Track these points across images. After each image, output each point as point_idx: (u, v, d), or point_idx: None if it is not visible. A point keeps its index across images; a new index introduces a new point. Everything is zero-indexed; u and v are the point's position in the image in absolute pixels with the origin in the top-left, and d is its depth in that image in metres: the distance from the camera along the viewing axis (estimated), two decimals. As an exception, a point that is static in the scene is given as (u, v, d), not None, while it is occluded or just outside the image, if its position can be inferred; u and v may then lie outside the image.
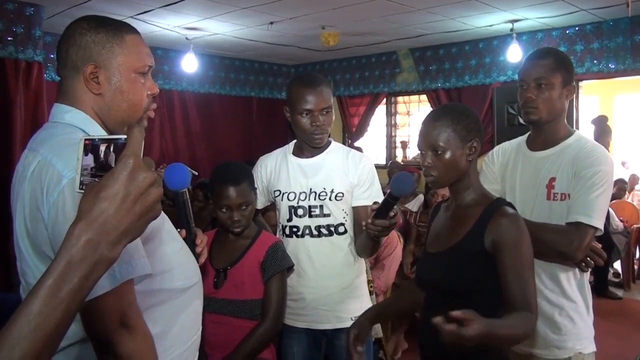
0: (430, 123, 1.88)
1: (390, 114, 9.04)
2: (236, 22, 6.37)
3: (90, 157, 0.94)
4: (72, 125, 1.40)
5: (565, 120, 2.25)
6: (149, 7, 5.75)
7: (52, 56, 6.68)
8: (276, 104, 9.35)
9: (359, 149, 7.85)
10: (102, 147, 0.94)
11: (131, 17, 5.98)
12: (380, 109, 8.96)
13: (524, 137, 2.34)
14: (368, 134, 9.03)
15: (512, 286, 1.72)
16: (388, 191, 1.95)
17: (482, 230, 1.78)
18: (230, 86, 8.89)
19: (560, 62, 2.18)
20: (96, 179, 0.91)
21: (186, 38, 7.04)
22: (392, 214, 2.01)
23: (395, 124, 9.07)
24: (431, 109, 8.01)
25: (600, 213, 2.05)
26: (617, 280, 7.02)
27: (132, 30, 1.49)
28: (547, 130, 2.21)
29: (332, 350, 2.49)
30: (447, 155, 1.83)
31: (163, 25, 6.44)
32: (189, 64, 7.50)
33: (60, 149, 1.29)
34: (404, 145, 9.04)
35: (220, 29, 6.73)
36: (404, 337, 4.69)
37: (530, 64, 2.20)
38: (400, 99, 8.94)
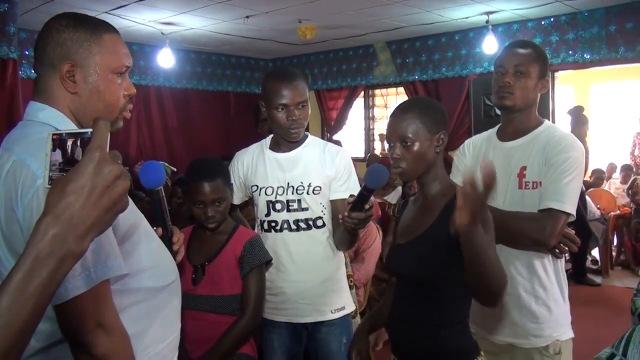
0: (399, 115, 1.89)
1: (368, 106, 9.08)
2: (212, 16, 6.35)
3: (58, 152, 0.93)
4: (46, 124, 1.38)
5: (537, 112, 2.28)
6: (124, 2, 5.71)
7: (26, 53, 6.62)
8: (254, 98, 9.30)
9: (338, 142, 7.85)
10: (69, 142, 0.93)
11: (106, 12, 5.93)
12: (358, 102, 9.00)
13: (494, 129, 2.36)
14: (346, 127, 9.07)
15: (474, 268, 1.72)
16: (363, 184, 1.96)
17: (447, 218, 1.79)
18: (207, 81, 8.85)
19: (538, 55, 2.21)
20: (64, 174, 0.90)
21: (162, 33, 6.99)
22: (367, 206, 2.01)
23: (373, 116, 9.12)
24: (409, 101, 8.06)
25: (571, 199, 2.07)
26: (595, 267, 7.11)
27: (111, 29, 1.48)
28: (517, 121, 2.23)
29: (312, 344, 2.49)
30: (416, 146, 1.84)
31: (138, 20, 6.39)
32: (165, 59, 7.45)
33: (34, 149, 1.27)
34: (382, 137, 9.05)
35: (196, 23, 6.70)
36: (385, 329, 4.71)
37: (511, 52, 2.23)
38: (377, 91, 8.99)
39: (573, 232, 2.17)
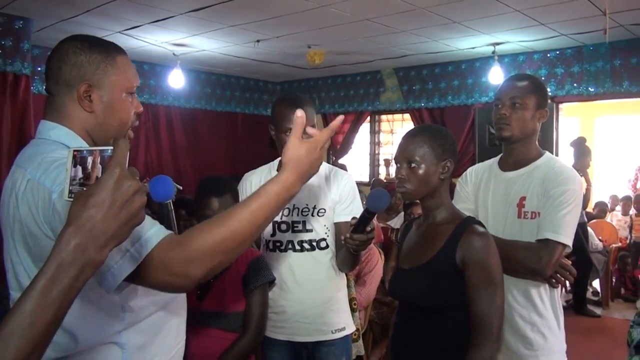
0: (409, 138, 1.98)
1: (374, 132, 9.17)
2: (223, 39, 6.46)
3: (79, 168, 1.00)
4: (57, 142, 1.44)
5: (537, 142, 2.34)
6: (137, 23, 5.81)
7: (39, 69, 6.73)
8: (261, 120, 9.45)
9: (343, 166, 7.93)
10: (90, 159, 1.00)
11: (119, 32, 6.05)
12: (364, 127, 9.08)
13: (496, 159, 2.42)
14: (352, 151, 9.13)
15: (476, 305, 1.81)
16: (365, 207, 2.02)
17: (454, 247, 1.86)
18: (215, 102, 8.96)
19: (535, 86, 2.28)
20: (84, 188, 0.97)
21: (173, 54, 7.11)
22: (369, 228, 2.07)
23: (379, 142, 9.20)
24: (414, 128, 8.14)
25: (568, 230, 2.12)
26: (595, 298, 7.12)
27: (122, 50, 1.55)
28: (518, 151, 2.29)
29: (312, 363, 2.54)
30: (421, 169, 1.92)
31: (151, 40, 6.51)
32: (176, 80, 7.55)
33: (46, 168, 1.33)
34: (387, 163, 9.14)
35: (208, 45, 6.82)
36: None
37: (507, 85, 2.31)
38: (384, 117, 9.08)
39: (570, 262, 2.22)
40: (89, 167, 1.00)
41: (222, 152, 8.97)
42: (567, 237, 2.11)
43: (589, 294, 7.04)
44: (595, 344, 5.47)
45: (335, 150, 9.01)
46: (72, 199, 0.96)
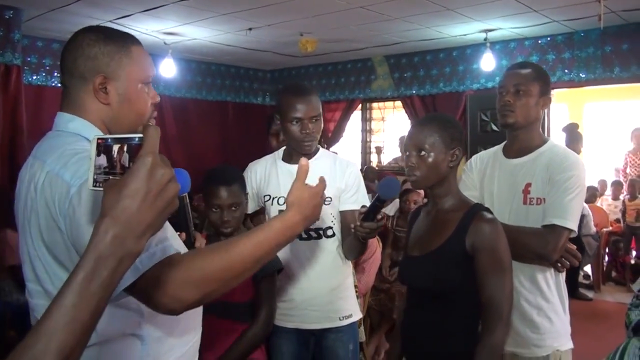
0: (418, 127, 2.01)
1: (366, 119, 9.18)
2: (215, 27, 6.43)
3: (103, 157, 0.97)
4: (76, 134, 1.44)
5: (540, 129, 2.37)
6: (128, 12, 5.76)
7: (28, 59, 6.67)
8: (252, 108, 9.44)
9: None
10: (115, 148, 0.97)
11: (110, 21, 5.99)
12: (356, 115, 9.08)
13: (501, 146, 2.45)
14: (343, 139, 9.13)
15: (487, 287, 1.86)
16: (376, 195, 2.04)
17: (463, 234, 1.90)
18: (206, 91, 8.92)
19: (538, 74, 2.31)
20: (110, 177, 0.94)
21: (164, 43, 7.06)
22: (379, 216, 2.09)
23: (370, 129, 9.21)
24: (406, 115, 8.17)
25: (574, 215, 2.16)
26: (587, 282, 7.22)
27: (137, 41, 1.54)
28: (522, 138, 2.32)
29: (320, 350, 2.56)
30: (431, 157, 1.95)
31: (142, 29, 6.46)
32: (167, 69, 7.51)
33: (66, 161, 1.33)
34: (379, 150, 9.17)
35: (199, 34, 6.78)
36: (385, 338, 4.80)
37: (511, 73, 2.34)
38: (375, 105, 9.08)
39: (574, 247, 2.26)
40: (115, 155, 0.97)
41: (213, 141, 8.92)
42: (572, 222, 2.15)
43: (580, 278, 7.13)
44: (588, 326, 5.55)
45: (326, 139, 9.00)
46: (97, 188, 0.95)
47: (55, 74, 7.09)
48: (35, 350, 0.81)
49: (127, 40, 1.51)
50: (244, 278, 1.35)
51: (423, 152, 1.95)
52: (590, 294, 6.84)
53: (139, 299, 1.27)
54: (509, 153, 2.36)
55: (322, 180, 1.51)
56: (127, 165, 0.95)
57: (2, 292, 4.61)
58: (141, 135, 0.93)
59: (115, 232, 0.87)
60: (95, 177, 0.96)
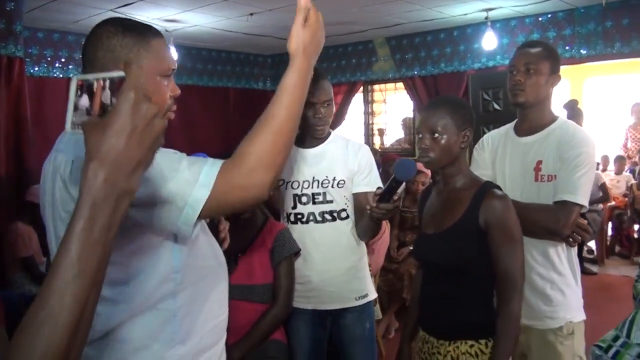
0: (431, 109, 2.06)
1: (367, 102, 9.19)
2: (216, 13, 6.43)
3: (85, 97, 0.93)
4: None
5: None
6: (129, 0, 5.77)
7: (30, 51, 6.67)
8: (253, 93, 9.45)
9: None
10: (97, 86, 0.93)
11: (112, 9, 6.00)
12: (358, 97, 9.09)
13: (512, 125, 2.48)
14: (345, 122, 9.15)
15: (501, 260, 1.94)
16: (392, 176, 2.08)
17: (476, 211, 1.97)
18: (207, 77, 8.94)
19: (548, 52, 2.34)
20: (90, 117, 0.91)
21: (166, 30, 7.06)
22: (395, 197, 2.14)
23: (372, 111, 9.24)
24: (407, 97, 8.19)
25: (584, 191, 2.21)
26: (591, 256, 7.29)
27: (157, 34, 1.54)
28: (532, 116, 2.36)
29: (337, 330, 2.62)
30: (444, 139, 2.00)
31: (143, 17, 6.44)
32: (169, 57, 7.49)
33: None
34: (381, 132, 9.20)
35: (200, 20, 6.79)
36: (395, 317, 4.87)
37: (521, 52, 2.36)
38: (376, 87, 9.09)
39: (585, 222, 2.31)
40: (96, 95, 0.92)
41: (215, 128, 8.94)
42: (583, 198, 2.19)
43: (584, 253, 7.20)
44: (594, 299, 5.60)
45: (329, 122, 9.01)
46: (76, 130, 0.90)
47: (57, 65, 7.11)
48: (50, 308, 0.80)
49: (146, 32, 1.51)
50: (294, 136, 1.40)
51: (436, 135, 2.00)
52: (594, 268, 6.91)
53: (218, 211, 1.37)
54: (520, 131, 2.40)
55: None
56: (108, 103, 0.92)
57: (15, 284, 4.67)
58: (122, 73, 0.89)
59: (106, 175, 0.83)
60: (73, 119, 0.92)
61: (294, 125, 1.38)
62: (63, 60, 7.19)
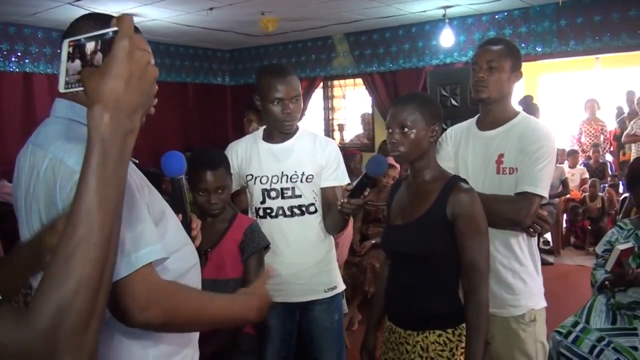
0: (401, 105, 2.12)
1: (327, 97, 9.24)
2: (175, 8, 6.38)
3: (77, 61, 0.94)
4: (76, 121, 1.46)
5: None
6: (87, -6, 5.69)
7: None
8: (212, 89, 9.42)
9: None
10: (89, 46, 0.94)
11: (69, 3, 5.90)
12: (317, 93, 9.14)
13: (474, 119, 2.56)
14: (306, 117, 9.16)
15: (468, 251, 2.02)
16: (364, 172, 2.13)
17: (444, 203, 2.04)
18: (165, 72, 8.82)
19: (510, 50, 2.41)
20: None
21: (124, 25, 6.96)
22: (366, 193, 2.19)
23: (332, 107, 9.29)
24: (366, 92, 8.27)
25: (545, 183, 2.30)
26: (547, 247, 7.51)
27: (136, 29, 1.56)
28: (495, 111, 2.43)
29: (306, 322, 2.67)
30: (413, 134, 2.07)
31: (101, 11, 6.35)
32: (126, 51, 7.40)
33: (70, 147, 1.34)
34: (341, 128, 9.27)
35: (159, 15, 6.70)
36: (358, 310, 4.94)
37: (484, 49, 2.43)
38: (336, 82, 9.14)
39: (546, 213, 2.40)
40: (89, 54, 0.94)
41: (175, 123, 8.84)
42: (543, 190, 2.28)
43: (540, 244, 7.40)
44: (552, 288, 5.75)
45: (289, 117, 9.02)
46: (71, 89, 0.95)
47: (13, 58, 6.95)
48: (79, 235, 0.84)
49: None
50: (198, 329, 1.56)
51: (406, 129, 2.06)
52: (550, 259, 7.12)
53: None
54: (483, 126, 2.48)
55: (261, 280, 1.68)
56: (101, 61, 0.93)
57: None
58: (116, 28, 0.91)
59: (110, 115, 0.88)
60: (67, 79, 0.95)
61: (209, 324, 1.66)
62: (19, 54, 7.00)
